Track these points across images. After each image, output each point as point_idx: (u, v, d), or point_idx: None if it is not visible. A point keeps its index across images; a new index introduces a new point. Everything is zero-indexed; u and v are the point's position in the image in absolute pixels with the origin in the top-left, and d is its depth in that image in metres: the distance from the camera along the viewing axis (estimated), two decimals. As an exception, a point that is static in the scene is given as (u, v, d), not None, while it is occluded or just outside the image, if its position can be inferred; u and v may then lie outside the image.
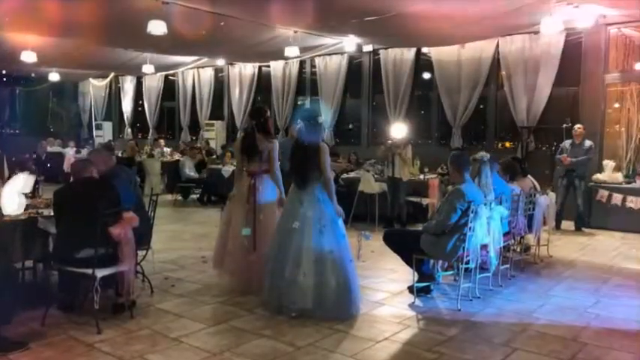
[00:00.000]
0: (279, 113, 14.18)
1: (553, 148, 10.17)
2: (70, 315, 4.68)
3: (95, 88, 19.83)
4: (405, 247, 5.35)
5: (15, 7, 8.15)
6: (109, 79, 19.17)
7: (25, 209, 5.12)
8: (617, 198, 9.00)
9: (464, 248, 5.03)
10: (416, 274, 5.30)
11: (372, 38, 11.14)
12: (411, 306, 5.15)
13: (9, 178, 5.80)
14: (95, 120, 19.95)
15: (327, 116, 12.97)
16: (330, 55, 12.91)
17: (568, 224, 9.15)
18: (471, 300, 5.27)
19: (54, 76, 15.63)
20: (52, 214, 4.80)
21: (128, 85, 18.69)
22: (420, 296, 5.32)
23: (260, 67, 14.96)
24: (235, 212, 5.49)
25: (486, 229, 5.23)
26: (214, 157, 13.41)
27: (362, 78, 13.01)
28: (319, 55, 12.94)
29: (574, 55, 9.97)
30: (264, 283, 4.96)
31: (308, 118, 5.07)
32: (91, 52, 12.34)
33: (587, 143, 9.07)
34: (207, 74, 16.11)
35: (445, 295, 5.51)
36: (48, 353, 3.98)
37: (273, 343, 4.20)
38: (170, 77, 17.31)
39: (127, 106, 18.85)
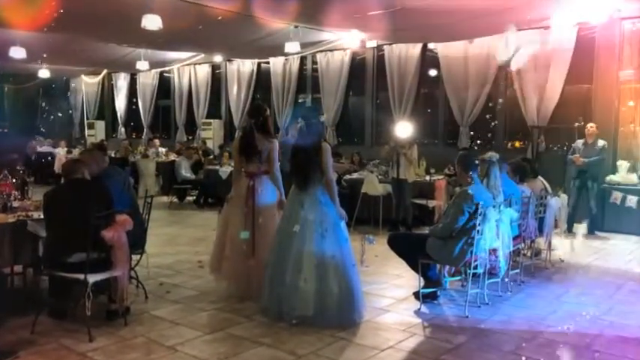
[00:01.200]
0: (279, 112, 14.19)
1: (565, 148, 10.17)
2: (61, 322, 4.69)
3: (87, 85, 19.85)
4: (411, 251, 5.35)
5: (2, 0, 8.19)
6: (101, 75, 19.19)
7: (14, 212, 5.15)
8: (631, 200, 8.98)
9: (472, 252, 5.03)
10: (422, 279, 5.30)
11: (376, 33, 11.14)
12: (417, 313, 5.15)
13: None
14: (87, 119, 19.97)
15: (329, 115, 13.00)
16: (332, 51, 12.92)
17: (580, 227, 9.14)
18: (479, 306, 5.27)
19: (44, 73, 15.63)
20: (42, 216, 4.81)
21: (121, 82, 18.72)
22: (426, 302, 5.32)
23: (259, 64, 14.96)
24: (233, 215, 5.49)
25: (495, 233, 5.24)
26: (211, 157, 13.42)
27: (365, 75, 13.01)
28: (321, 51, 12.95)
29: (587, 51, 9.94)
30: (264, 288, 4.97)
31: (309, 116, 5.08)
32: (82, 47, 12.36)
33: (601, 143, 9.05)
34: (204, 71, 16.12)
35: (452, 301, 5.51)
36: (38, 362, 3.99)
37: (273, 352, 4.20)
38: (165, 74, 17.33)
39: (120, 104, 18.87)
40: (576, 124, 9.61)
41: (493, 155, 5.87)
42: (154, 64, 14.87)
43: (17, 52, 11.35)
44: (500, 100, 11.18)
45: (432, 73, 12.22)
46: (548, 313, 5.17)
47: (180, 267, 6.70)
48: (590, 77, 10.08)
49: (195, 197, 12.23)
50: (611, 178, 9.36)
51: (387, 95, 12.47)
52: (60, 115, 21.33)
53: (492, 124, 11.66)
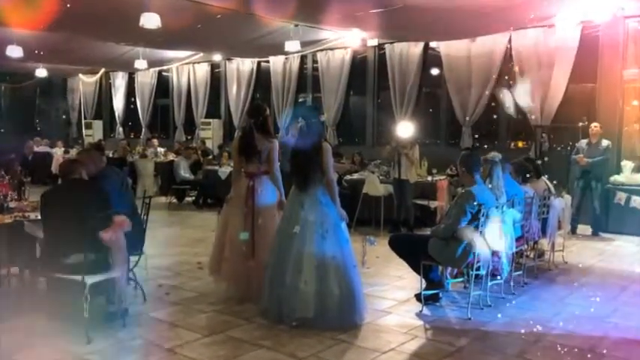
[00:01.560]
0: (279, 111, 14.18)
1: (568, 148, 10.16)
2: (58, 324, 4.68)
3: (85, 84, 19.84)
4: (412, 252, 5.35)
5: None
6: (99, 75, 19.18)
7: (11, 213, 5.15)
8: (636, 201, 8.97)
9: (474, 254, 5.03)
10: (424, 281, 5.30)
11: (377, 32, 11.14)
12: (419, 315, 5.15)
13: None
14: (85, 118, 19.96)
15: (329, 114, 13.00)
16: (332, 49, 12.91)
17: (584, 228, 9.13)
18: (481, 308, 5.27)
19: (41, 72, 15.63)
20: (39, 217, 4.81)
21: (119, 81, 18.71)
22: (428, 304, 5.32)
23: (259, 63, 14.95)
24: (233, 215, 5.49)
25: (498, 234, 5.23)
26: (211, 157, 13.42)
27: (366, 74, 13.00)
28: (321, 50, 12.95)
29: (591, 50, 9.93)
30: (264, 290, 4.96)
31: (309, 116, 5.08)
32: (80, 46, 12.37)
33: (605, 143, 9.05)
34: (203, 70, 16.11)
35: (454, 303, 5.51)
36: (35, 364, 4.00)
37: (273, 354, 4.20)
38: (164, 73, 17.32)
39: (118, 103, 18.86)
40: (580, 123, 9.61)
41: (496, 155, 5.86)
42: (152, 63, 14.86)
43: (14, 51, 11.35)
44: (503, 94, 11.16)
45: (434, 72, 12.20)
46: (551, 315, 5.16)
47: (179, 268, 6.70)
48: (594, 76, 10.06)
49: (194, 198, 12.23)
50: (615, 178, 9.35)
51: (388, 94, 12.46)
52: (57, 114, 21.33)
53: (495, 123, 11.64)
